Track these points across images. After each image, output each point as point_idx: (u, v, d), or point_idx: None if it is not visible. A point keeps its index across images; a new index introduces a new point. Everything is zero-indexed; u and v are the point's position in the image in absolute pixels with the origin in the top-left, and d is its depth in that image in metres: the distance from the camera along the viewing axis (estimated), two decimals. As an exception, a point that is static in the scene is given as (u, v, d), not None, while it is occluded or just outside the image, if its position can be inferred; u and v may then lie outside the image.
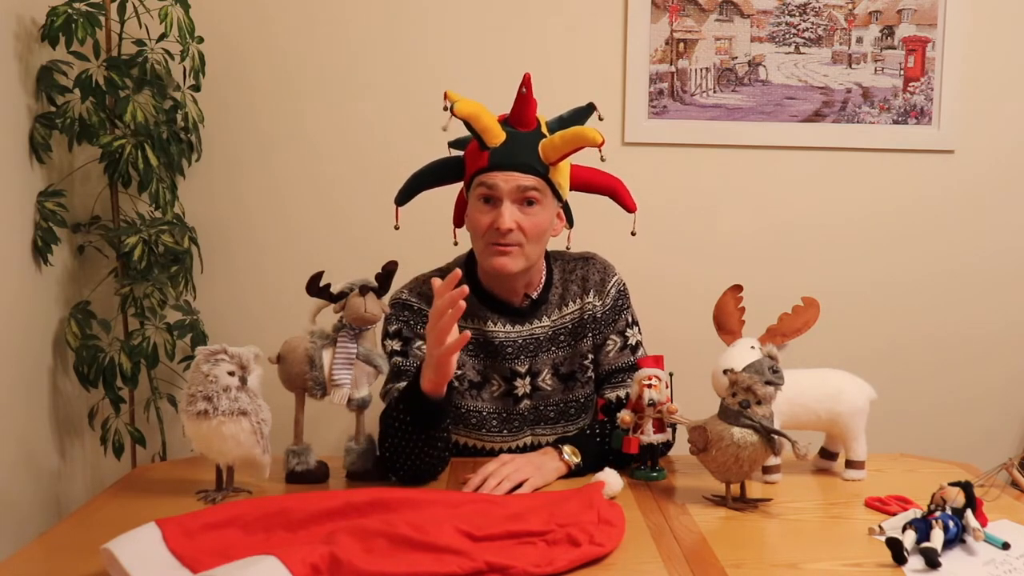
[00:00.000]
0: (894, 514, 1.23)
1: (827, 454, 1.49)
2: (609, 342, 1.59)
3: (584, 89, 2.04)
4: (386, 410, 1.38)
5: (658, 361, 1.45)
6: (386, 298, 1.41)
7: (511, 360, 1.56)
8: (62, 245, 2.01)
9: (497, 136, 1.45)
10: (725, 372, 1.32)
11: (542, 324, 1.57)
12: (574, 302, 1.59)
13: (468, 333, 1.25)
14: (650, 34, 2.22)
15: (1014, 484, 1.37)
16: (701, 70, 2.25)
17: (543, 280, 1.59)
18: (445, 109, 1.42)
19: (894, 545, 1.06)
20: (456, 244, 1.63)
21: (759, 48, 2.25)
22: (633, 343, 1.60)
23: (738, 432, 1.23)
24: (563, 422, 1.59)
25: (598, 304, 1.59)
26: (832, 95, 2.26)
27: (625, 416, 1.42)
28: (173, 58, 2.03)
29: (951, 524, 1.09)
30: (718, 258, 2.28)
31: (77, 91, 1.93)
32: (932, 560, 1.04)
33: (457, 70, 2.19)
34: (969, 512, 1.11)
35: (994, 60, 2.27)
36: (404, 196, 1.56)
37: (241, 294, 2.22)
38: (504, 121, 1.48)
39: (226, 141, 2.19)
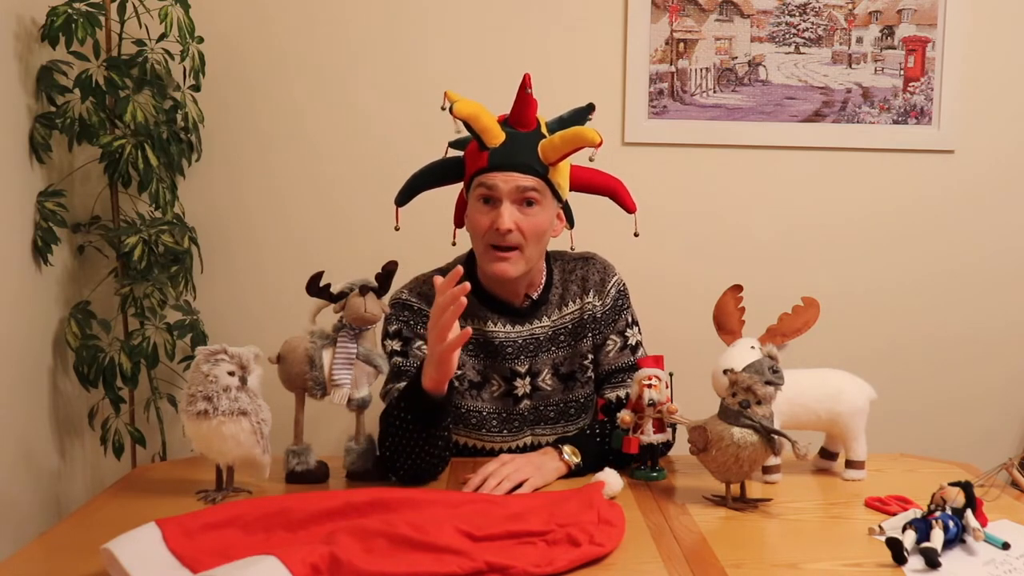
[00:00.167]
0: (894, 514, 1.23)
1: (827, 454, 1.49)
2: (609, 342, 1.59)
3: (584, 89, 2.05)
4: (387, 409, 1.38)
5: (658, 361, 1.45)
6: (386, 298, 1.41)
7: (511, 360, 1.56)
8: (62, 245, 2.01)
9: (497, 136, 1.45)
10: (725, 372, 1.32)
11: (542, 324, 1.57)
12: (574, 302, 1.59)
13: (469, 330, 1.25)
14: (650, 34, 2.22)
15: (1014, 484, 1.37)
16: (701, 70, 2.25)
17: (543, 280, 1.59)
18: (445, 109, 1.42)
19: (894, 545, 1.06)
20: (455, 244, 1.63)
21: (759, 48, 2.25)
22: (633, 343, 1.60)
23: (738, 432, 1.23)
24: (563, 422, 1.59)
25: (598, 304, 1.59)
26: (832, 95, 2.26)
27: (625, 416, 1.42)
28: (173, 58, 2.03)
29: (951, 524, 1.09)
30: (718, 258, 2.28)
31: (77, 91, 1.93)
32: (932, 560, 1.04)
33: (457, 70, 2.19)
34: (969, 512, 1.11)
35: (994, 60, 2.27)
36: (404, 196, 1.55)
37: (241, 294, 2.22)
38: (504, 121, 1.48)
39: (226, 141, 2.19)
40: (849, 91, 2.26)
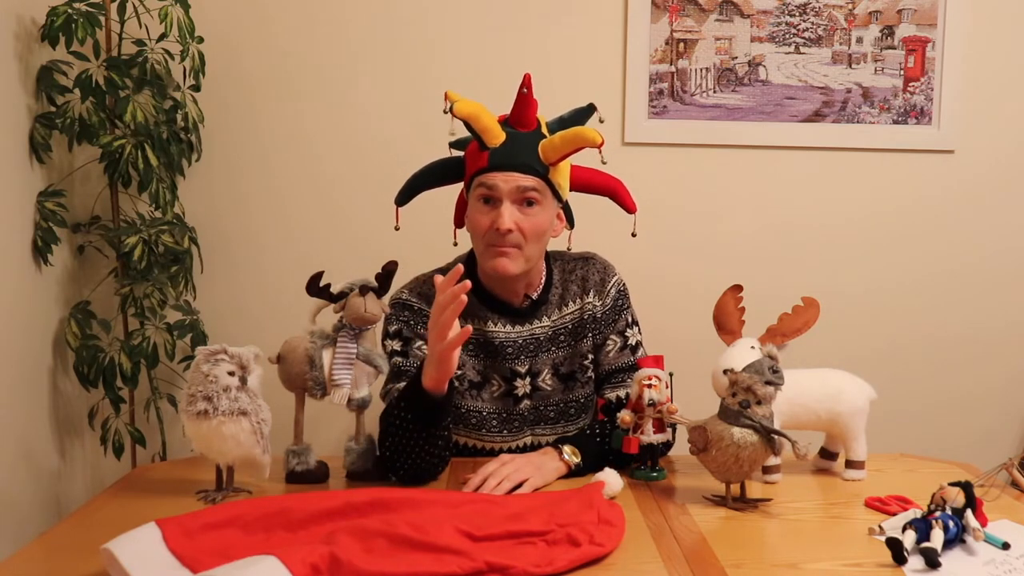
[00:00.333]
0: (894, 514, 1.23)
1: (827, 454, 1.49)
2: (609, 342, 1.59)
3: (584, 89, 2.04)
4: (387, 409, 1.38)
5: (658, 361, 1.45)
6: (386, 298, 1.41)
7: (511, 360, 1.56)
8: (62, 245, 2.01)
9: (497, 136, 1.45)
10: (725, 372, 1.32)
11: (542, 324, 1.57)
12: (574, 302, 1.59)
13: (470, 328, 1.25)
14: (650, 34, 2.22)
15: (1014, 484, 1.37)
16: (701, 70, 2.25)
17: (543, 280, 1.59)
18: (445, 112, 1.42)
19: (894, 545, 1.06)
20: (456, 244, 1.63)
21: (759, 48, 2.25)
22: (633, 343, 1.60)
23: (738, 432, 1.23)
24: (563, 422, 1.59)
25: (598, 304, 1.59)
26: (832, 95, 2.26)
27: (625, 416, 1.42)
28: (173, 58, 2.03)
29: (951, 524, 1.09)
30: (718, 258, 2.28)
31: (77, 91, 1.93)
32: (932, 560, 1.04)
33: (457, 70, 2.19)
34: (969, 512, 1.11)
35: (994, 60, 2.27)
36: (404, 196, 1.56)
37: (241, 294, 2.22)
38: (504, 121, 1.48)
39: (226, 141, 2.19)
40: (849, 91, 2.26)
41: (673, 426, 1.44)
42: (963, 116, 2.27)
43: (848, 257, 2.31)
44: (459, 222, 1.61)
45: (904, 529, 1.10)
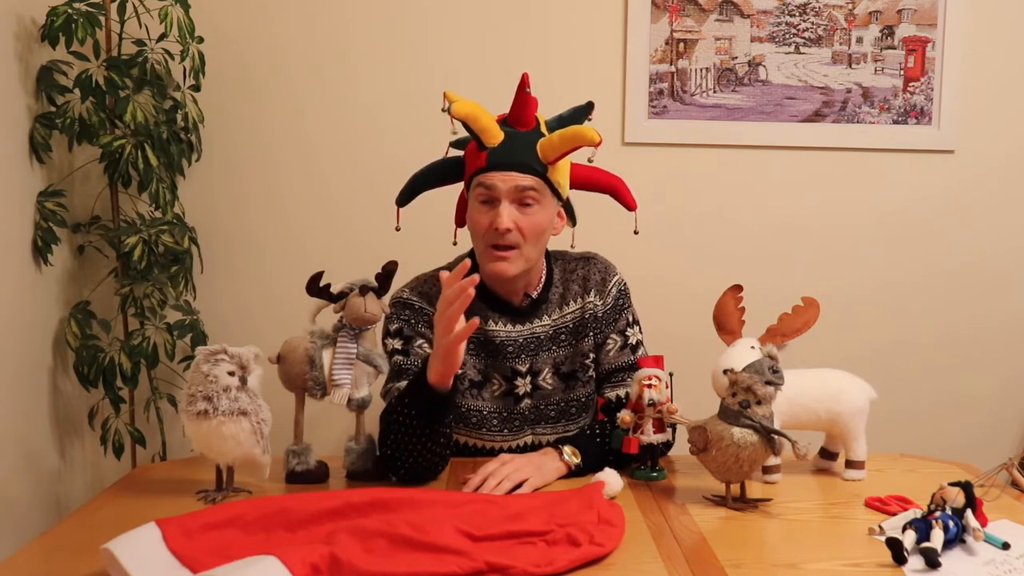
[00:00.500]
0: (894, 514, 1.23)
1: (827, 454, 1.49)
2: (609, 341, 1.59)
3: (584, 89, 2.03)
4: (389, 406, 1.38)
5: (658, 361, 1.45)
6: (386, 298, 1.41)
7: (512, 359, 1.56)
8: (62, 245, 2.01)
9: (495, 136, 1.45)
10: (725, 372, 1.32)
11: (543, 323, 1.57)
12: (575, 301, 1.59)
13: (476, 320, 1.25)
14: (650, 34, 2.22)
15: (1014, 484, 1.37)
16: (701, 70, 2.25)
17: (543, 279, 1.59)
18: (443, 111, 1.42)
19: (894, 545, 1.06)
20: (456, 244, 1.63)
21: (759, 48, 2.25)
22: (633, 342, 1.60)
23: (738, 432, 1.23)
24: (564, 421, 1.59)
25: (599, 303, 1.59)
26: (832, 95, 2.26)
27: (625, 416, 1.42)
28: (173, 58, 2.03)
29: (951, 524, 1.09)
30: (718, 258, 2.28)
31: (77, 91, 1.93)
32: (932, 560, 1.04)
33: (457, 70, 2.19)
34: (969, 512, 1.11)
35: (994, 60, 2.27)
36: (405, 197, 1.56)
37: (241, 294, 2.22)
38: (503, 121, 1.48)
39: (226, 141, 2.19)
40: (849, 91, 2.26)
41: (673, 426, 1.44)
42: (963, 116, 2.27)
43: (848, 257, 2.31)
44: (460, 221, 1.61)
45: (904, 529, 1.10)
